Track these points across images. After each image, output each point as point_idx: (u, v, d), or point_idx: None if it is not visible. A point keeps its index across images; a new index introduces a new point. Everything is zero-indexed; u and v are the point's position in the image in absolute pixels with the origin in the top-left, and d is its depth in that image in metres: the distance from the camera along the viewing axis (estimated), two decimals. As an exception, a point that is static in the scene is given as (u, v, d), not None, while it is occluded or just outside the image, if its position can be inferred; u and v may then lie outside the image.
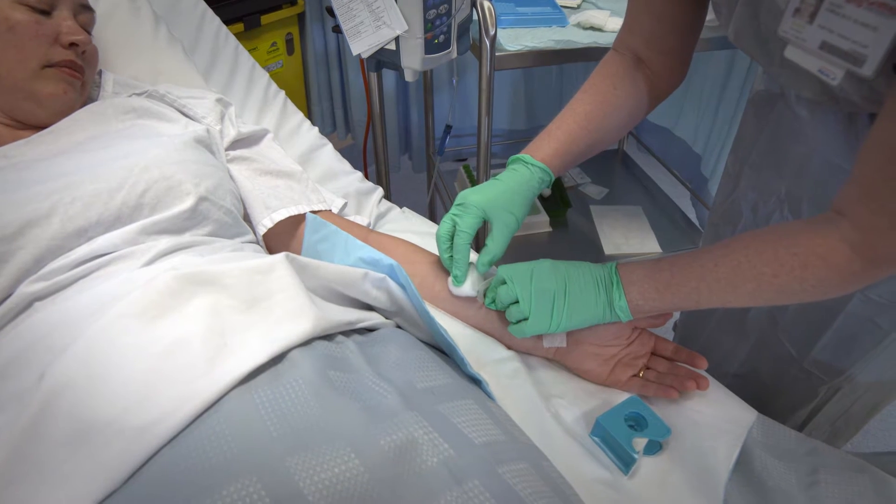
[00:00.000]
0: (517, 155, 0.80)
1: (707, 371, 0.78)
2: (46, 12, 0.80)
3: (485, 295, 0.77)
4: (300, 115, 1.18)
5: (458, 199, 0.78)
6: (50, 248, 0.62)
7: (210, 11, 1.23)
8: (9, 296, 0.60)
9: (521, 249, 0.85)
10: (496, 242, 0.76)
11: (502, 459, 0.51)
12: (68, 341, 0.52)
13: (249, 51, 1.26)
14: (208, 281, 0.58)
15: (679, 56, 0.84)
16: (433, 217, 1.81)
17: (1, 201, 0.62)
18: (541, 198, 1.73)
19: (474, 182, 1.71)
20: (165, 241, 0.66)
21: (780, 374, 0.95)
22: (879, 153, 0.55)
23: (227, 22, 1.36)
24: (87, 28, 0.86)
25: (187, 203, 0.70)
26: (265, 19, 1.88)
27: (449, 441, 0.50)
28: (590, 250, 1.59)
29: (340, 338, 0.62)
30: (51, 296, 0.60)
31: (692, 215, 1.84)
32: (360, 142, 2.09)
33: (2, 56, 0.76)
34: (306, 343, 0.58)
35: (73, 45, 0.81)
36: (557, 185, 1.74)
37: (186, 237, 0.69)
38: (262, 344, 0.55)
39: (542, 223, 1.65)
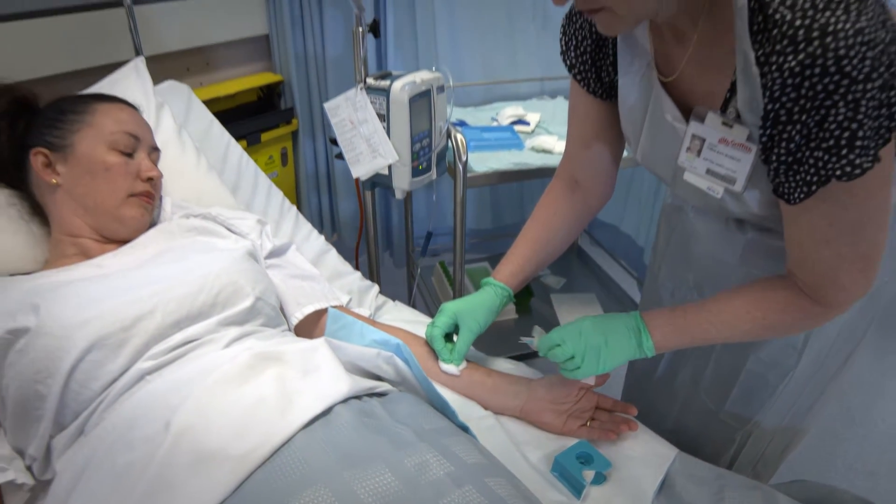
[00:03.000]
0: (486, 279, 1.09)
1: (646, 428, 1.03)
2: (130, 154, 1.05)
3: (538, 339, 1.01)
4: (309, 225, 1.44)
5: (440, 308, 1.06)
6: (154, 336, 0.85)
7: (233, 140, 1.51)
8: (125, 372, 0.82)
9: (493, 331, 1.08)
10: (461, 342, 1.04)
11: (487, 474, 0.74)
12: (181, 400, 0.75)
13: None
14: (274, 358, 0.82)
15: (607, 176, 1.11)
16: (414, 305, 2.05)
17: (115, 301, 0.85)
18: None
19: (449, 277, 1.97)
20: (234, 331, 0.90)
21: (703, 425, 1.20)
22: (795, 243, 0.81)
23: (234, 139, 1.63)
24: (155, 164, 1.11)
25: (248, 302, 0.94)
26: (265, 136, 2.18)
27: (450, 461, 0.73)
28: (551, 332, 1.84)
29: (365, 398, 0.85)
30: (158, 370, 0.82)
31: (637, 299, 2.11)
32: (345, 240, 2.36)
33: (99, 188, 1.01)
34: (344, 401, 0.81)
35: (149, 178, 1.06)
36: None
37: (247, 327, 0.93)
38: (315, 401, 0.78)
39: (509, 310, 1.90)
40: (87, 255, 1.01)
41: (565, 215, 1.10)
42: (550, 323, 1.88)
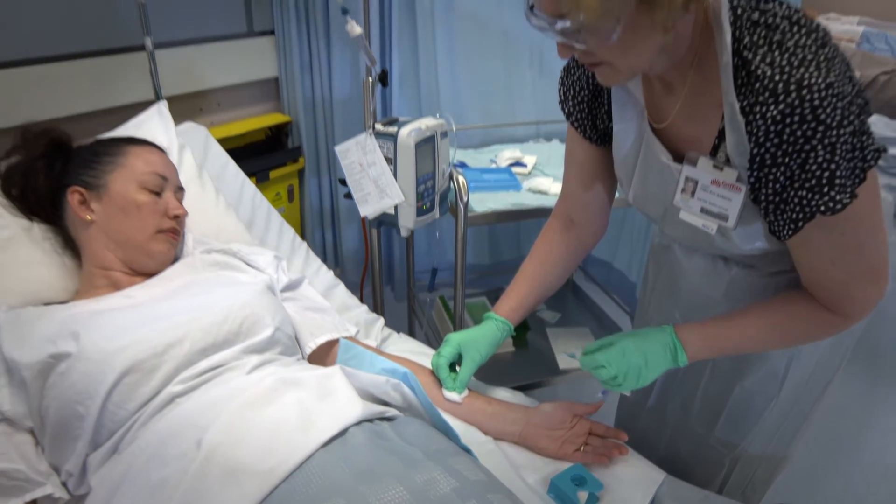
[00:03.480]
0: (487, 313, 1.17)
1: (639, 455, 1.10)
2: (158, 193, 1.14)
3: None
4: (318, 261, 1.53)
5: (445, 338, 1.14)
6: (183, 362, 0.92)
7: (247, 179, 1.60)
8: (157, 394, 0.89)
9: (492, 363, 1.15)
10: (464, 371, 1.11)
11: (489, 490, 0.81)
12: (211, 420, 0.82)
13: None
14: (294, 383, 0.90)
15: (601, 215, 1.20)
16: (415, 338, 2.13)
17: (148, 330, 0.93)
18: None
19: (449, 311, 2.05)
20: (255, 358, 0.98)
21: (694, 451, 1.27)
22: (804, 266, 0.90)
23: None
24: (180, 202, 1.20)
25: (268, 332, 1.02)
26: (273, 174, 2.28)
27: (455, 478, 0.80)
28: (547, 365, 1.92)
29: (376, 421, 0.93)
30: (187, 393, 0.90)
31: (631, 334, 2.19)
32: (348, 274, 2.45)
33: (130, 225, 1.09)
34: (358, 423, 0.88)
35: (175, 216, 1.14)
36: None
37: (267, 355, 1.01)
38: (332, 422, 0.85)
39: (506, 343, 1.97)
40: (116, 286, 1.09)
41: (561, 253, 1.18)
42: (546, 357, 1.96)
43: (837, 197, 0.77)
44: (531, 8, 0.78)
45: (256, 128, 2.29)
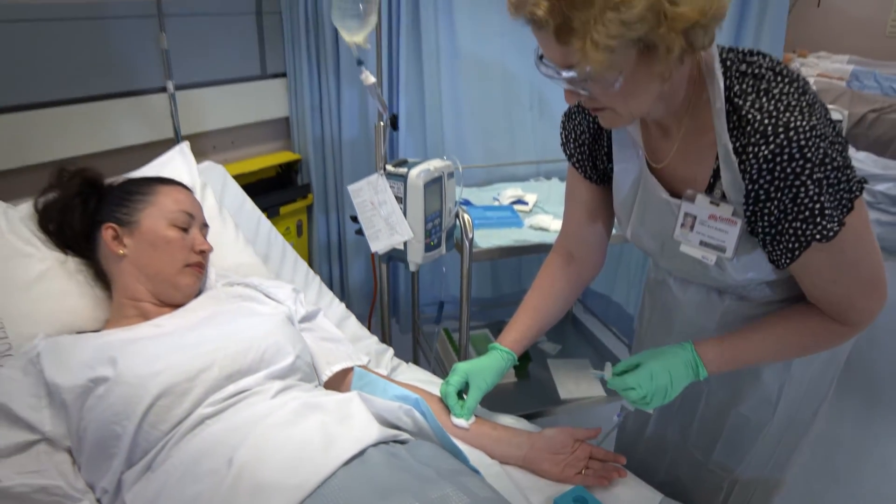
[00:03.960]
0: (492, 344, 1.24)
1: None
2: (186, 230, 1.22)
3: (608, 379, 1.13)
4: (330, 294, 1.60)
5: (453, 367, 1.21)
6: (212, 387, 0.99)
7: (263, 216, 1.69)
8: (188, 416, 0.96)
9: (496, 393, 1.22)
10: (471, 399, 1.18)
11: (497, 506, 0.88)
12: (240, 440, 0.89)
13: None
14: (316, 407, 0.97)
15: (599, 250, 1.28)
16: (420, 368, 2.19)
17: (180, 356, 1.00)
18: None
19: (454, 343, 2.12)
20: (278, 384, 1.05)
21: (693, 476, 1.33)
22: (808, 285, 0.98)
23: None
24: (205, 238, 1.28)
25: (289, 360, 1.09)
26: (283, 209, 2.37)
27: (466, 494, 0.86)
28: (548, 395, 1.98)
29: (391, 444, 0.99)
30: (216, 415, 0.96)
31: (629, 366, 2.25)
32: (354, 306, 2.52)
33: (160, 259, 1.17)
34: (375, 445, 0.95)
35: (201, 251, 1.22)
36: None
37: (288, 381, 1.07)
38: (352, 444, 0.92)
39: (509, 374, 2.04)
40: (146, 316, 1.17)
41: (563, 286, 1.26)
42: (547, 387, 2.02)
43: (829, 226, 0.86)
44: (540, 57, 0.87)
45: (267, 165, 2.39)
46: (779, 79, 0.87)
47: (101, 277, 1.24)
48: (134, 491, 0.93)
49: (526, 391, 2.00)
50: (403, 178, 1.48)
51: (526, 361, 2.10)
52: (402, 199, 1.51)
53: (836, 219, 0.86)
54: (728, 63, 0.90)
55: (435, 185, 1.51)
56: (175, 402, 0.96)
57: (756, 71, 0.89)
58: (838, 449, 2.16)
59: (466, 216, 1.60)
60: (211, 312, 1.17)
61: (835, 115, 4.33)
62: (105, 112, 1.86)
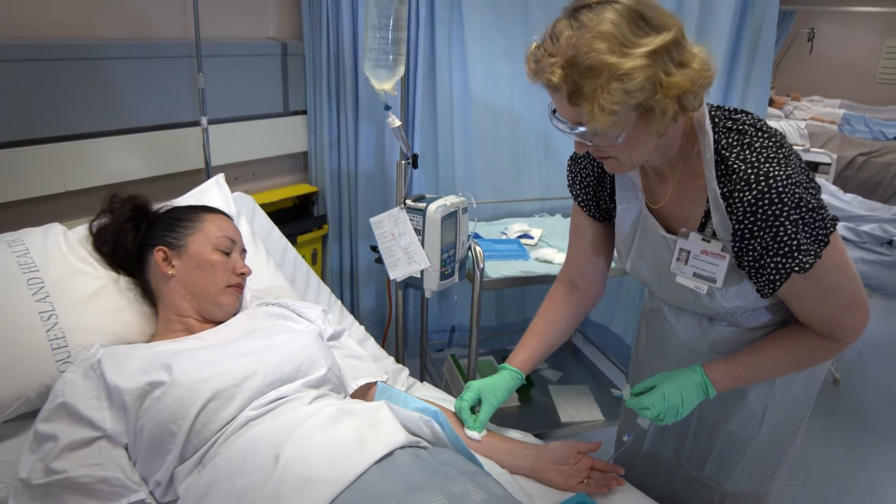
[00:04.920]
0: (503, 364, 1.36)
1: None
2: (228, 254, 1.35)
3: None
4: (351, 317, 1.72)
5: (466, 385, 1.32)
6: (256, 392, 1.11)
7: (289, 244, 1.82)
8: (234, 418, 1.08)
9: (501, 416, 1.33)
10: (483, 413, 1.30)
11: (511, 502, 0.99)
12: (283, 439, 1.00)
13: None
14: (350, 413, 1.08)
15: (600, 280, 1.41)
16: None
17: (227, 365, 1.12)
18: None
19: (460, 368, 2.23)
20: (313, 392, 1.16)
21: (687, 489, 1.43)
22: (797, 308, 1.11)
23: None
24: (244, 262, 1.40)
25: (322, 371, 1.21)
26: (300, 238, 2.50)
27: (485, 491, 0.97)
28: (550, 419, 2.09)
29: (415, 448, 1.11)
30: (259, 418, 1.08)
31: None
32: (369, 329, 2.63)
33: (205, 279, 1.30)
34: (402, 447, 1.06)
35: (241, 273, 1.35)
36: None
37: (322, 390, 1.19)
38: (382, 446, 1.03)
39: (512, 398, 2.15)
40: (190, 331, 1.29)
41: (566, 313, 1.39)
42: (548, 411, 2.13)
43: (805, 259, 1.00)
44: (553, 112, 1.02)
45: (286, 196, 2.54)
46: (759, 134, 1.02)
47: (148, 295, 1.36)
48: (187, 483, 1.04)
49: (529, 414, 2.12)
50: (422, 212, 1.62)
51: (528, 387, 2.22)
52: (420, 231, 1.64)
53: (812, 252, 1.00)
54: (716, 120, 1.05)
55: (451, 218, 1.65)
56: (223, 404, 1.07)
57: (740, 127, 1.03)
58: (825, 478, 2.26)
59: (478, 248, 1.74)
60: (250, 328, 1.30)
61: (824, 159, 4.51)
62: (140, 144, 2.01)
